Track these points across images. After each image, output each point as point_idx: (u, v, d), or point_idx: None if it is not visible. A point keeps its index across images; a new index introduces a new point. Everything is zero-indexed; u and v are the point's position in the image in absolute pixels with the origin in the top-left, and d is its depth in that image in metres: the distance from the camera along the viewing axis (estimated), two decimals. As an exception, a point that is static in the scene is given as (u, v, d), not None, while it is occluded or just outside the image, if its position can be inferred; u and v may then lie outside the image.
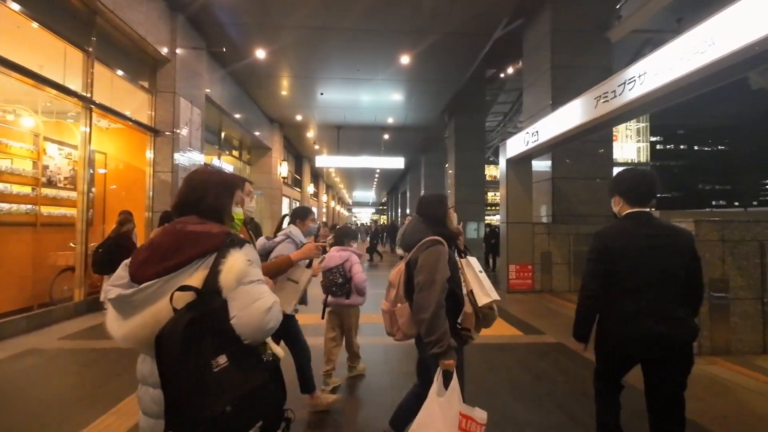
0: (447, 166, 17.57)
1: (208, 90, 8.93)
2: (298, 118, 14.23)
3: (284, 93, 11.80)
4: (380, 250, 15.54)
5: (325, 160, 17.21)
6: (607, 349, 1.87)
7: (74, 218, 5.72)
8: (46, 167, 5.62)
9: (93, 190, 6.48)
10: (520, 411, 2.78)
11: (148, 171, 7.01)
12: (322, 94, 11.88)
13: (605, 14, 8.08)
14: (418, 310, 1.77)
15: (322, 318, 3.25)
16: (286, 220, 2.90)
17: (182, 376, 0.98)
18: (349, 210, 59.95)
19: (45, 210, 5.52)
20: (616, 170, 9.93)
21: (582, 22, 7.89)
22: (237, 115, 11.02)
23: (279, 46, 8.69)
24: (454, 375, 1.71)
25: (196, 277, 1.11)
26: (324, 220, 26.35)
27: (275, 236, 2.70)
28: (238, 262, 1.12)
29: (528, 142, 6.87)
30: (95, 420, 2.62)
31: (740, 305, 4.02)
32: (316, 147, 17.99)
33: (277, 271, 2.21)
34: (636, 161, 54.80)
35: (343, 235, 3.35)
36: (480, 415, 1.67)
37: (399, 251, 2.20)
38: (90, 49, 5.67)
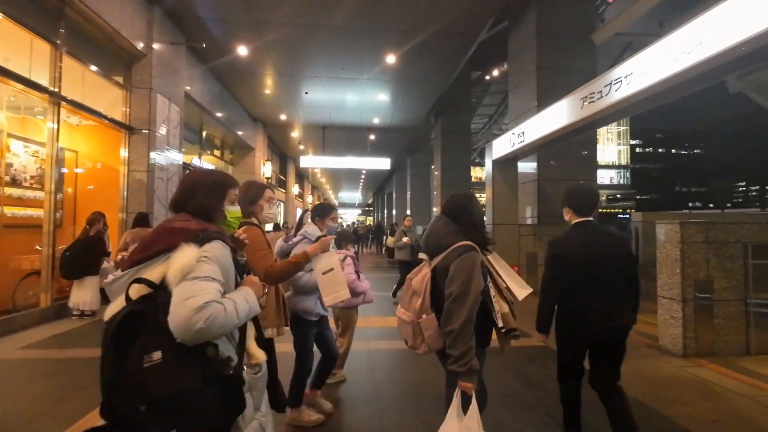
0: (433, 167, 17.57)
1: (188, 87, 8.64)
2: (283, 117, 13.97)
3: (268, 91, 11.56)
4: (365, 253, 15.39)
5: (310, 161, 16.98)
6: (565, 337, 2.18)
7: (41, 219, 5.40)
8: (10, 165, 5.29)
9: (63, 190, 6.17)
10: (509, 420, 2.68)
11: (123, 170, 6.70)
12: (306, 93, 11.67)
13: (589, 17, 8.15)
14: (446, 321, 1.64)
15: None
16: (306, 217, 2.78)
17: (108, 367, 1.01)
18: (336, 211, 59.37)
19: (9, 211, 5.20)
20: (599, 172, 10.01)
21: (567, 25, 7.94)
22: (218, 114, 10.73)
23: (262, 43, 8.47)
24: (473, 400, 1.57)
25: (156, 271, 1.13)
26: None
27: (294, 236, 2.62)
28: (185, 257, 1.11)
29: (514, 143, 6.85)
30: (52, 439, 2.41)
31: (724, 306, 4.03)
32: (301, 147, 17.73)
33: (295, 268, 2.04)
34: (617, 163, 56.17)
35: (342, 238, 3.37)
36: None
37: (421, 255, 2.16)
38: (58, 42, 5.37)
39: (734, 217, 11.31)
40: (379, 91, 11.55)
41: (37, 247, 5.37)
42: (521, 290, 1.86)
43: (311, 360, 2.61)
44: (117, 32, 6.02)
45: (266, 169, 14.75)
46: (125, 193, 6.67)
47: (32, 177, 5.60)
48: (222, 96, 10.99)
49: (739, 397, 2.98)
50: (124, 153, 6.71)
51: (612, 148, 55.17)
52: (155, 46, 6.89)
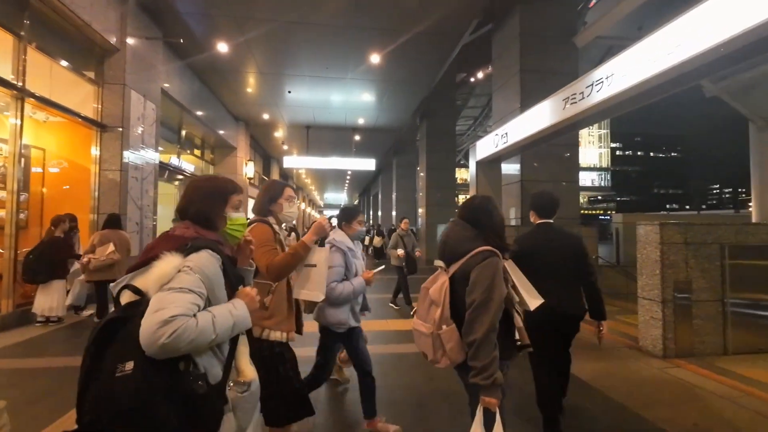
0: (419, 168, 17.55)
1: (166, 84, 8.37)
2: (265, 116, 13.72)
3: (250, 90, 11.32)
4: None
5: (294, 161, 16.76)
6: (531, 326, 2.22)
7: (2, 220, 5.10)
8: (-32, 163, 5.00)
9: (28, 189, 5.86)
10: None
11: (94, 169, 6.41)
12: (290, 92, 11.48)
13: (571, 20, 8.22)
14: (468, 331, 1.55)
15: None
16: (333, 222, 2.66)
17: (81, 373, 1.02)
18: (321, 212, 59.09)
19: (-34, 211, 4.90)
20: (581, 174, 10.11)
21: (550, 27, 7.98)
22: (198, 112, 10.44)
23: (243, 40, 8.26)
24: (498, 417, 1.46)
25: (145, 278, 1.12)
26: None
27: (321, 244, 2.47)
28: (163, 266, 1.09)
29: (498, 144, 6.84)
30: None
31: (703, 307, 4.07)
32: (285, 147, 17.48)
33: (295, 260, 1.92)
34: (598, 166, 57.42)
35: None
36: None
37: (437, 262, 2.09)
38: (22, 33, 5.09)
39: (710, 219, 11.60)
40: (364, 91, 11.45)
41: (-1, 249, 5.08)
42: (534, 300, 1.79)
43: (327, 375, 2.52)
44: (87, 25, 5.75)
45: (248, 170, 14.47)
46: (96, 193, 6.38)
47: (-7, 176, 5.30)
48: (202, 94, 10.71)
49: (719, 399, 2.98)
50: (95, 151, 6.42)
51: (593, 151, 56.42)
52: (129, 40, 6.63)
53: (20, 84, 5.06)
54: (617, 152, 77.64)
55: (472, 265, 1.61)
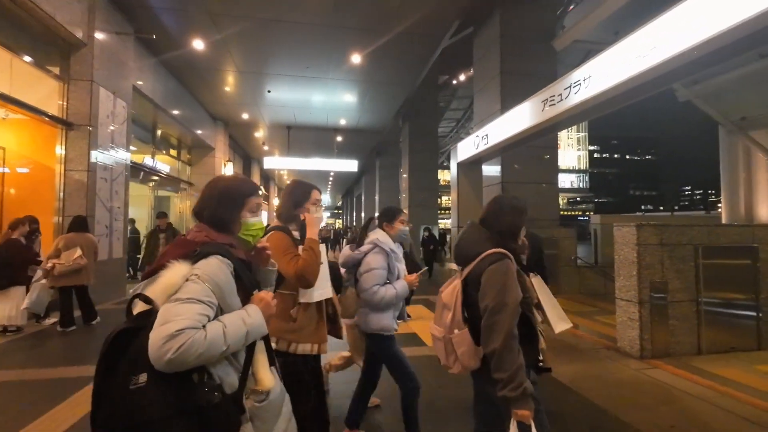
0: (401, 170, 17.54)
1: (139, 82, 8.08)
2: (245, 116, 13.43)
3: (228, 89, 11.04)
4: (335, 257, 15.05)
5: (275, 162, 16.50)
6: None
7: (-45, 224, 4.77)
8: None
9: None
10: None
11: (59, 169, 6.09)
12: (269, 91, 11.26)
13: (551, 23, 8.32)
14: (486, 341, 1.46)
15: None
16: (373, 224, 2.50)
17: (94, 386, 0.99)
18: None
19: None
20: (560, 176, 10.24)
21: (529, 30, 8.06)
22: (174, 111, 10.11)
23: (220, 38, 8.03)
24: (533, 430, 1.36)
25: (153, 288, 1.08)
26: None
27: (360, 244, 2.34)
28: (170, 275, 1.05)
29: (478, 145, 6.83)
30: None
31: (678, 307, 4.12)
32: (266, 148, 17.18)
33: (316, 257, 1.77)
34: (577, 168, 58.76)
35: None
36: None
37: (451, 265, 2.01)
38: (-22, 24, 4.79)
39: (685, 220, 11.94)
40: (346, 92, 11.33)
41: (-50, 255, 4.73)
42: (560, 323, 1.69)
43: (415, 380, 2.23)
44: (51, 17, 5.45)
45: (227, 170, 14.14)
46: (61, 194, 6.06)
47: (-54, 176, 4.96)
48: (178, 92, 10.38)
49: (695, 400, 3.00)
50: (60, 150, 6.10)
51: (572, 153, 57.72)
52: (97, 34, 6.34)
53: (-25, 78, 4.75)
54: (595, 155, 79.70)
55: (482, 268, 1.54)
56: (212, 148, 13.41)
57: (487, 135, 6.56)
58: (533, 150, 7.88)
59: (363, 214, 25.63)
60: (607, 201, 79.60)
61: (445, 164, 30.07)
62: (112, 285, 6.83)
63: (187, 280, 1.05)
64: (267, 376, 1.17)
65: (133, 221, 9.96)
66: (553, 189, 8.24)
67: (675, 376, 3.48)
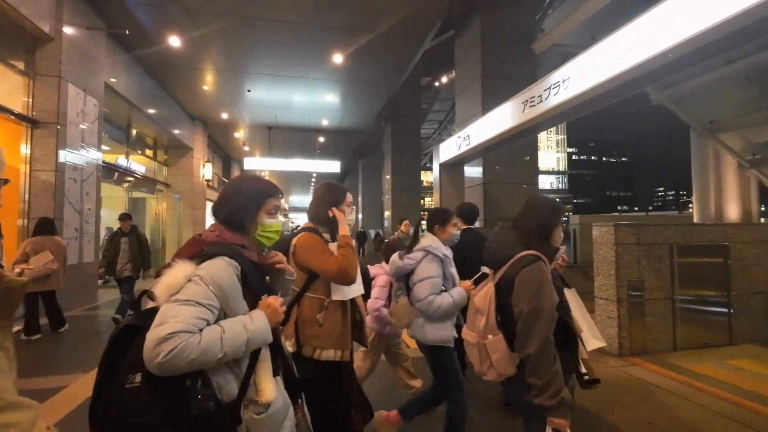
0: (384, 171, 17.52)
1: (112, 79, 7.80)
2: (224, 116, 13.15)
3: (206, 87, 10.78)
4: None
5: (255, 162, 16.22)
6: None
7: None
8: None
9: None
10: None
11: (24, 169, 5.79)
12: (249, 91, 11.06)
13: (530, 26, 8.44)
14: (521, 346, 1.41)
15: None
16: (423, 226, 2.42)
17: (96, 380, 0.98)
18: (286, 216, 57.75)
19: None
20: (540, 177, 10.38)
21: (509, 33, 8.16)
22: (150, 110, 9.80)
23: (198, 35, 7.82)
24: None
25: (157, 286, 1.07)
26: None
27: (410, 250, 2.25)
28: (173, 274, 1.03)
29: (460, 146, 6.86)
30: None
31: (654, 305, 4.20)
32: (246, 148, 16.88)
33: (353, 251, 1.71)
34: (556, 169, 60.03)
35: (391, 249, 3.09)
36: None
37: (484, 269, 2.03)
38: (-68, 14, 4.50)
39: (658, 220, 12.31)
40: (328, 92, 11.23)
41: None
42: (593, 340, 1.61)
43: (464, 397, 2.13)
44: (14, 9, 5.17)
45: (206, 171, 13.82)
46: (26, 195, 5.76)
47: None
48: (154, 91, 10.07)
49: (672, 397, 3.05)
50: (25, 150, 5.80)
51: (551, 155, 58.97)
52: (66, 29, 6.07)
53: (-71, 72, 4.46)
54: (573, 156, 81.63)
55: (515, 272, 1.49)
56: (190, 149, 13.06)
57: (468, 136, 6.60)
58: (514, 151, 7.97)
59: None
60: (585, 202, 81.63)
61: (427, 165, 30.27)
62: (83, 290, 6.54)
63: (189, 280, 1.02)
64: (269, 387, 1.11)
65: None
66: (533, 190, 8.35)
67: (653, 373, 3.55)
